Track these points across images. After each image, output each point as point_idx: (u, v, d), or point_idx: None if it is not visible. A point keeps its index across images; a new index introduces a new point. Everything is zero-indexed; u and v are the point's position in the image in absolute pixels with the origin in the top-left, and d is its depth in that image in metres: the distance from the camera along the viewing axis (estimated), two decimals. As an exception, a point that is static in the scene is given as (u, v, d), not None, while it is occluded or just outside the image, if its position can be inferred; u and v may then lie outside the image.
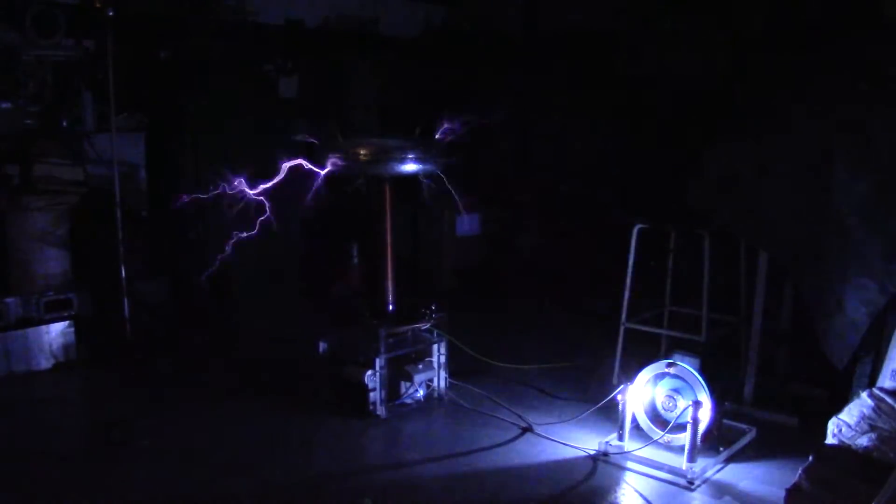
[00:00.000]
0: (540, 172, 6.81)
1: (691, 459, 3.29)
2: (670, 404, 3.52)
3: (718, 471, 3.41)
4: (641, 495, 3.24)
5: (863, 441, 2.92)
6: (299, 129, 4.92)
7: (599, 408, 3.84)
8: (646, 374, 3.55)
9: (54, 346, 4.70)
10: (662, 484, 3.31)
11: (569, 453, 3.60)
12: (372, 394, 3.96)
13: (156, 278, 5.44)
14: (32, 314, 4.63)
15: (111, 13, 4.66)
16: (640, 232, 4.19)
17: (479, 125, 4.03)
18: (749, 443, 3.65)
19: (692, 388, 3.43)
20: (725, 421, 3.70)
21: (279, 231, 4.03)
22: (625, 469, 3.44)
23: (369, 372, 3.93)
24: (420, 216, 6.57)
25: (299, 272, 5.92)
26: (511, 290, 6.36)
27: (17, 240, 4.68)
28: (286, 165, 3.84)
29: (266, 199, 3.90)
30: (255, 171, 3.98)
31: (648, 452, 3.46)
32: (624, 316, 4.25)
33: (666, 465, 3.38)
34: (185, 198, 4.06)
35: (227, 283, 5.55)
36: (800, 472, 2.81)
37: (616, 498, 3.23)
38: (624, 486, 3.32)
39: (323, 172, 3.83)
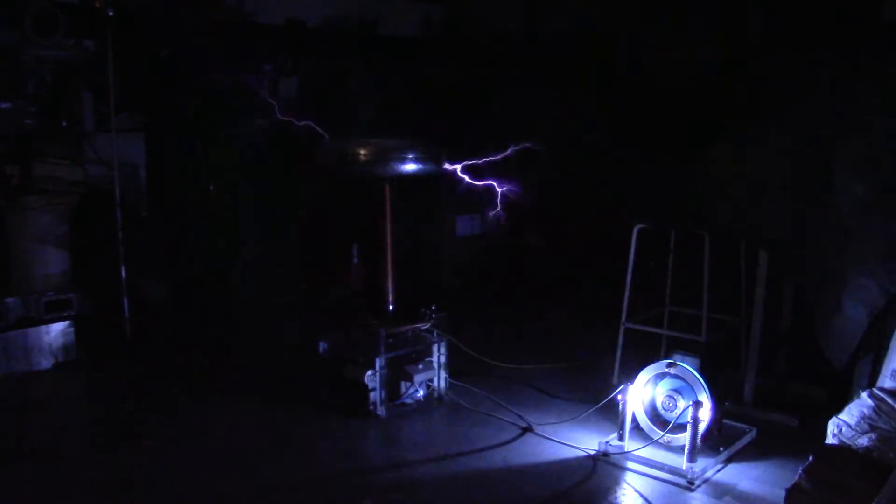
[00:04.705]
0: (540, 172, 6.81)
1: (691, 459, 3.29)
2: (670, 404, 3.52)
3: (718, 471, 3.41)
4: (641, 495, 3.24)
5: (863, 441, 2.92)
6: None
7: (599, 408, 3.84)
8: (646, 374, 3.56)
9: (54, 346, 4.70)
10: (662, 484, 3.31)
11: (569, 453, 3.60)
12: (372, 394, 3.96)
13: (156, 278, 5.45)
14: (32, 314, 4.63)
15: (111, 13, 4.66)
16: (640, 232, 4.19)
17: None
18: (749, 443, 3.65)
19: (692, 388, 3.43)
20: (725, 421, 3.70)
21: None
22: (625, 469, 3.44)
23: (369, 372, 3.93)
24: (420, 216, 6.57)
25: (299, 272, 5.93)
26: (511, 290, 6.36)
27: (17, 240, 4.68)
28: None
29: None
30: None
31: (648, 452, 3.46)
32: (624, 316, 4.25)
33: (666, 465, 3.38)
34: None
35: (227, 283, 5.56)
36: (800, 472, 2.81)
37: (616, 498, 3.23)
38: (624, 486, 3.32)
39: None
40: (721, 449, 3.49)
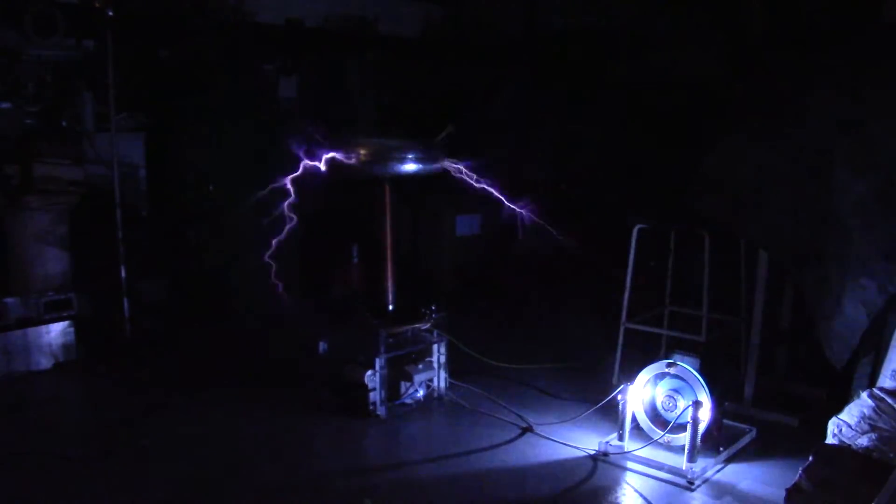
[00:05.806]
0: (540, 172, 6.81)
1: (691, 459, 3.29)
2: (670, 404, 3.52)
3: (718, 471, 3.41)
4: (641, 495, 3.24)
5: (863, 441, 2.92)
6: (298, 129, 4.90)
7: (599, 408, 3.84)
8: (646, 374, 3.55)
9: (54, 346, 4.70)
10: (662, 484, 3.31)
11: (569, 453, 3.60)
12: (372, 394, 3.96)
13: (156, 278, 5.44)
14: (32, 314, 4.63)
15: (111, 13, 4.66)
16: (640, 232, 4.18)
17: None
18: (749, 443, 3.65)
19: (692, 388, 3.43)
20: (725, 421, 3.70)
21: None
22: (625, 469, 3.44)
23: (369, 372, 3.93)
24: (420, 216, 6.58)
25: (299, 272, 5.92)
26: (511, 290, 6.36)
27: (16, 240, 4.68)
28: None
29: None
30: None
31: (648, 452, 3.46)
32: (624, 316, 4.25)
33: (666, 465, 3.38)
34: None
35: (226, 283, 5.56)
36: (800, 472, 2.81)
37: (616, 498, 3.23)
38: (624, 486, 3.32)
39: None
40: (721, 449, 3.48)
